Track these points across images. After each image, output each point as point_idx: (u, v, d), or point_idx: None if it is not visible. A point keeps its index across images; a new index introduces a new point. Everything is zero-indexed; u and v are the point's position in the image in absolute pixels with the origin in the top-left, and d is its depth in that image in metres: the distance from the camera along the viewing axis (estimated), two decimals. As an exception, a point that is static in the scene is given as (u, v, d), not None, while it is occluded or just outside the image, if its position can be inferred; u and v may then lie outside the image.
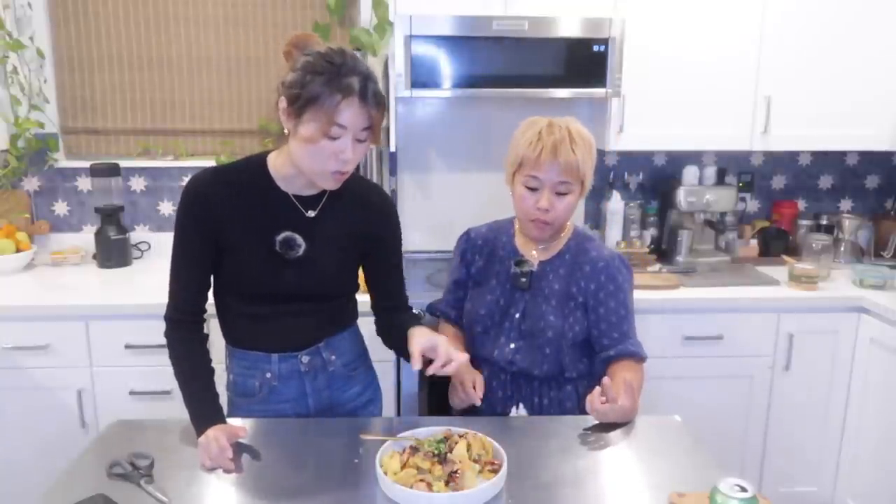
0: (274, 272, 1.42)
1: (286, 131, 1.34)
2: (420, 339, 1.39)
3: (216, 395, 1.44)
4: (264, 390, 1.51)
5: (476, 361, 1.67)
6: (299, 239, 1.42)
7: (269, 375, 1.50)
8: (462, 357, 1.37)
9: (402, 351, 1.50)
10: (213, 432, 1.33)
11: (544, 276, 1.64)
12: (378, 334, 1.64)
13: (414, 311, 1.66)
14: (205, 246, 1.41)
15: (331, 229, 1.45)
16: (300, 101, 1.27)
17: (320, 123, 1.26)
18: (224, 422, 1.39)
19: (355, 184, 1.46)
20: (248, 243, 1.41)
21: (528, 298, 1.64)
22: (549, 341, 1.60)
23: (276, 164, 1.42)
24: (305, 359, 1.51)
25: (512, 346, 1.63)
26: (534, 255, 1.67)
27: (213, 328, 1.51)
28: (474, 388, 1.57)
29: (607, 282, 1.61)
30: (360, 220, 1.49)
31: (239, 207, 1.40)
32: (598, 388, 1.41)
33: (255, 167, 1.43)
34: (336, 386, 1.56)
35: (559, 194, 1.55)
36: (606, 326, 1.61)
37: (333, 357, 1.54)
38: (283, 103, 1.31)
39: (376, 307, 1.62)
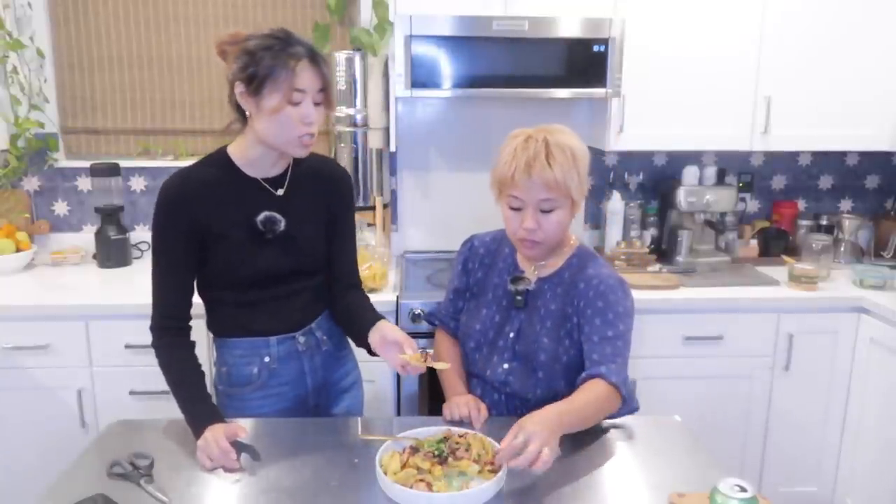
0: (260, 253, 1.47)
1: (247, 114, 1.41)
2: (375, 336, 1.46)
3: (209, 396, 1.46)
4: (263, 375, 1.53)
5: (469, 378, 1.62)
6: (278, 216, 1.48)
7: (267, 359, 1.53)
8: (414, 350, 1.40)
9: (357, 338, 1.56)
10: (210, 433, 1.34)
11: (541, 295, 1.54)
12: (331, 310, 1.66)
13: (370, 304, 1.66)
14: (188, 248, 1.45)
15: (301, 203, 1.52)
16: (257, 78, 1.34)
17: (282, 92, 1.34)
18: (222, 420, 1.39)
19: (312, 159, 1.54)
20: (231, 231, 1.46)
21: (523, 318, 1.54)
22: (542, 364, 1.50)
23: (238, 152, 1.48)
24: (302, 339, 1.56)
25: (505, 366, 1.54)
26: (533, 271, 1.57)
27: (198, 330, 1.52)
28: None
29: (596, 298, 1.47)
30: (323, 191, 1.57)
31: (215, 200, 1.44)
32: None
33: (218, 161, 1.48)
34: (328, 365, 1.62)
35: (544, 212, 1.43)
36: (588, 347, 1.45)
37: (325, 337, 1.60)
38: (239, 88, 1.38)
39: (333, 283, 1.63)
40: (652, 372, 2.35)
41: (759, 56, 2.50)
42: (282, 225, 1.48)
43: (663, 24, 2.46)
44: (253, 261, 1.47)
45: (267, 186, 1.49)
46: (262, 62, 1.34)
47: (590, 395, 1.37)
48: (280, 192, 1.50)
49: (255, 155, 1.46)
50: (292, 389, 1.57)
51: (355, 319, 1.57)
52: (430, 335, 1.80)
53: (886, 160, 2.95)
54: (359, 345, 1.57)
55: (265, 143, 1.43)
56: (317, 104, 1.40)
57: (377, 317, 1.54)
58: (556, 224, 1.45)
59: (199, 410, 1.41)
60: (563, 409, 1.30)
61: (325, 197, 1.57)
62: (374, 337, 1.47)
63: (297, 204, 1.52)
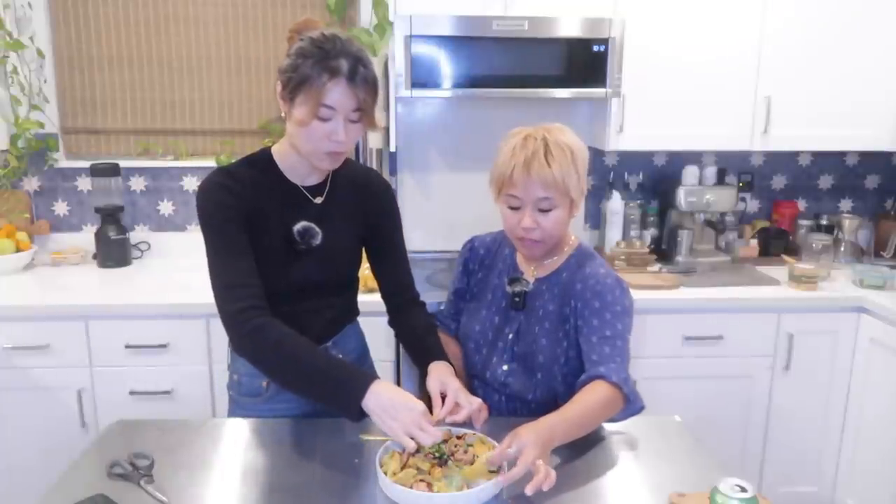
0: (291, 265, 1.42)
1: (283, 114, 1.37)
2: (434, 383, 1.43)
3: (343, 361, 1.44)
4: (271, 390, 1.50)
5: (470, 379, 1.62)
6: (315, 228, 1.43)
7: None
8: (474, 404, 1.38)
9: (419, 365, 1.55)
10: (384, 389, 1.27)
11: (539, 296, 1.52)
12: (390, 324, 1.64)
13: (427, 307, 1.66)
14: (244, 230, 1.35)
15: (338, 215, 1.48)
16: (292, 83, 1.30)
17: (310, 105, 1.28)
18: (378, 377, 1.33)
19: (353, 169, 1.52)
20: (266, 238, 1.40)
21: (522, 319, 1.53)
22: (540, 366, 1.48)
23: (281, 155, 1.43)
24: None
25: (505, 367, 1.53)
26: (532, 272, 1.55)
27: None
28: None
29: (593, 298, 1.44)
30: (361, 201, 1.52)
31: (255, 203, 1.38)
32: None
33: (262, 162, 1.43)
34: None
35: (543, 211, 1.41)
36: (587, 348, 1.43)
37: (340, 356, 1.53)
38: (279, 87, 1.34)
39: (388, 299, 1.62)
40: (652, 372, 2.35)
41: (759, 56, 2.50)
42: (318, 238, 1.43)
43: (663, 25, 2.46)
44: (282, 272, 1.41)
45: (306, 194, 1.44)
46: (300, 69, 1.28)
47: (588, 401, 1.33)
48: (319, 200, 1.45)
49: (292, 159, 1.41)
50: (299, 407, 1.51)
51: (416, 348, 1.57)
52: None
53: (886, 160, 2.95)
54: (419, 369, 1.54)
55: (295, 149, 1.38)
56: (353, 122, 1.33)
57: (438, 350, 1.53)
58: (555, 223, 1.43)
59: (351, 371, 1.32)
60: (557, 421, 1.27)
61: (363, 209, 1.52)
62: (433, 385, 1.44)
63: (335, 215, 1.46)
